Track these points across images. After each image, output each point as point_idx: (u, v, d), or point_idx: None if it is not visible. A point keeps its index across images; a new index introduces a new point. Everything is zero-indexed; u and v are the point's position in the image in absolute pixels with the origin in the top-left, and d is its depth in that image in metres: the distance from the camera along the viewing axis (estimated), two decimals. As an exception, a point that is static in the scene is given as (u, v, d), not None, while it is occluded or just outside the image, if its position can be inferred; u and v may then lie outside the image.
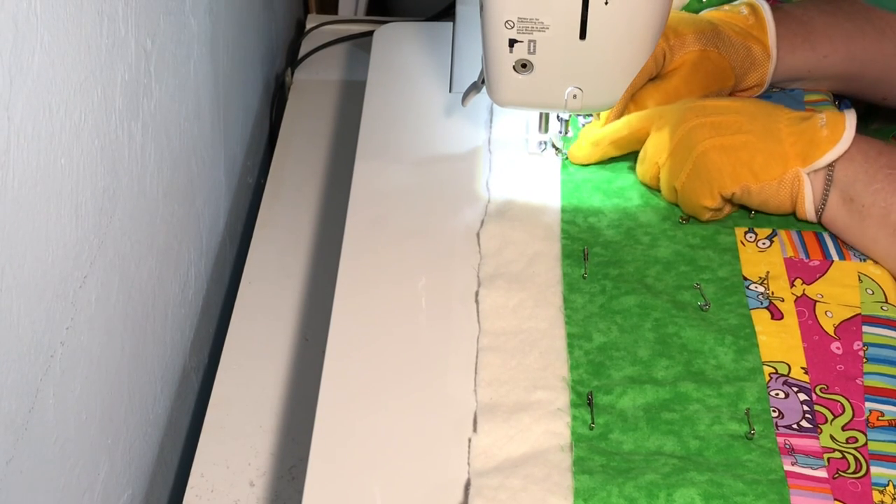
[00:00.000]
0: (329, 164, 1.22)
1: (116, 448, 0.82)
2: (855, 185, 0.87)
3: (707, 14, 1.03)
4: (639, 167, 0.94)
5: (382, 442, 0.76)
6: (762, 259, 0.88)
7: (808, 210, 0.88)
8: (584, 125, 0.98)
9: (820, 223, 0.90)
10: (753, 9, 1.01)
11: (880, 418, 0.77)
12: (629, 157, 0.98)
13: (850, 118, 0.88)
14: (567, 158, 0.98)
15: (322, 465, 0.75)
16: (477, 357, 0.81)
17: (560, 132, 0.98)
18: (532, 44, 0.86)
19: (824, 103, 1.03)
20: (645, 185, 0.94)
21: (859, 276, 0.86)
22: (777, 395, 0.78)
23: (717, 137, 0.89)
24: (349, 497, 0.73)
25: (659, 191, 0.94)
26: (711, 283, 0.86)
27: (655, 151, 0.92)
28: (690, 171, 0.89)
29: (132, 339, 0.84)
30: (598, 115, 0.97)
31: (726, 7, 1.04)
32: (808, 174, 0.88)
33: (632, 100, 0.98)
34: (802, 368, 0.80)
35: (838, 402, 0.78)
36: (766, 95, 1.04)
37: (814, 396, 0.78)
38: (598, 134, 0.96)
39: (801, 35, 1.01)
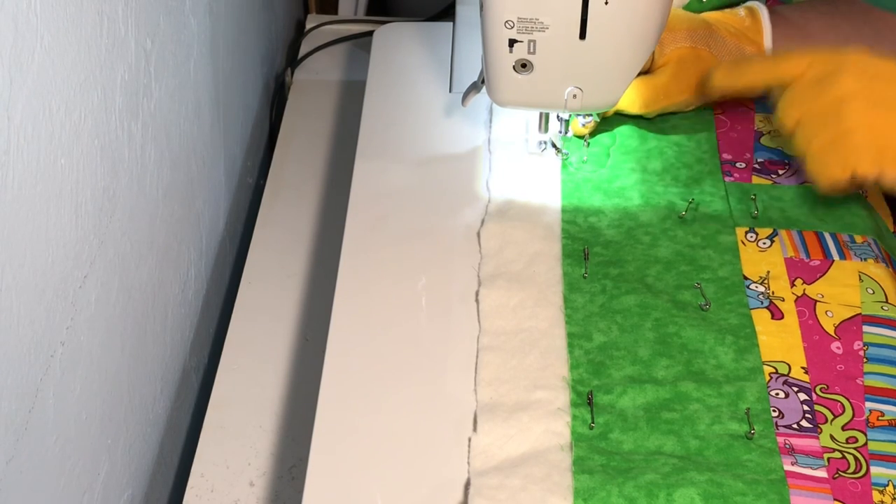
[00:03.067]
0: (329, 164, 1.22)
1: (116, 448, 0.82)
2: None
3: (704, 15, 1.03)
4: (781, 108, 0.88)
5: (382, 441, 0.76)
6: (763, 259, 0.88)
7: None
8: (583, 125, 0.98)
9: None
10: (751, 11, 1.02)
11: (880, 418, 0.77)
12: (629, 157, 0.98)
13: None
14: (567, 158, 0.98)
15: (322, 465, 0.75)
16: (477, 356, 0.81)
17: (560, 132, 0.98)
18: (532, 44, 0.86)
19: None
20: (781, 129, 0.88)
21: (860, 276, 0.86)
22: (777, 394, 0.78)
23: (870, 115, 0.83)
24: (349, 497, 0.73)
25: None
26: (712, 282, 0.86)
27: (801, 99, 0.86)
28: (832, 140, 0.84)
29: (132, 339, 0.84)
30: (598, 114, 0.97)
31: (727, 11, 1.04)
32: None
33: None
34: (802, 368, 0.80)
35: (838, 401, 0.78)
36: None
37: (814, 396, 0.78)
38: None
39: (798, 38, 1.01)
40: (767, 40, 1.00)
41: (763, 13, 1.01)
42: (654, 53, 0.98)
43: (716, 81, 0.92)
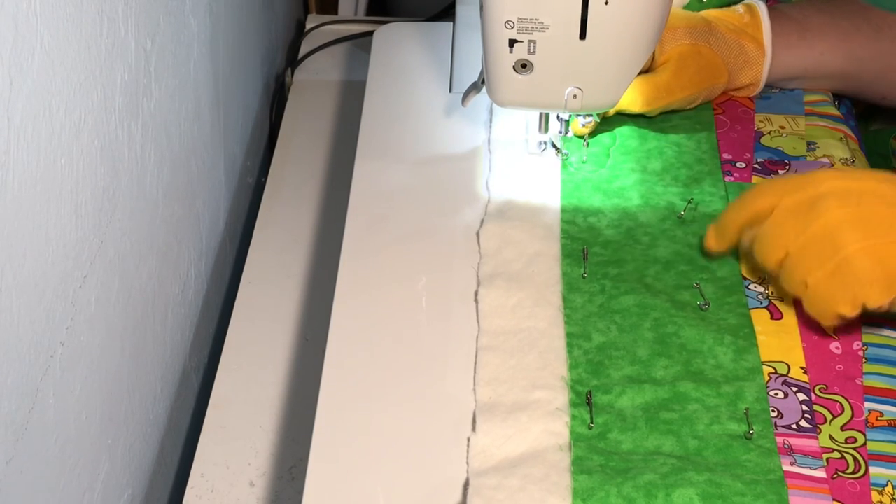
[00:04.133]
0: (329, 164, 1.22)
1: (116, 448, 0.82)
2: None
3: (703, 13, 1.03)
4: (758, 247, 0.82)
5: (382, 442, 0.76)
6: (762, 259, 0.88)
7: None
8: (583, 125, 0.98)
9: None
10: (750, 8, 1.02)
11: (879, 418, 0.77)
12: (629, 157, 0.98)
13: None
14: (567, 158, 0.98)
15: (322, 465, 0.75)
16: (476, 356, 0.81)
17: (560, 132, 0.98)
18: (532, 44, 0.86)
19: (824, 104, 1.04)
20: (764, 268, 0.82)
21: (859, 276, 0.86)
22: (776, 394, 0.78)
23: (868, 239, 0.76)
24: (349, 497, 0.73)
25: (768, 273, 0.83)
26: (711, 282, 0.86)
27: (784, 234, 0.79)
28: (831, 273, 0.77)
29: (132, 339, 0.84)
30: (598, 114, 0.97)
31: (725, 9, 1.04)
32: None
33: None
34: (802, 368, 0.80)
35: (837, 402, 0.78)
36: (765, 96, 1.04)
37: (813, 396, 0.78)
38: None
39: (797, 33, 1.01)
40: (767, 37, 1.00)
41: (762, 10, 1.01)
42: (654, 52, 0.98)
43: (711, 248, 0.86)
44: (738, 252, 0.88)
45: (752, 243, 0.82)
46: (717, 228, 0.85)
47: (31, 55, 0.62)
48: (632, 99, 0.98)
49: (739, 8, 1.03)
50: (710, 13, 1.02)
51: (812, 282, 0.78)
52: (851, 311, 0.77)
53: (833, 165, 0.96)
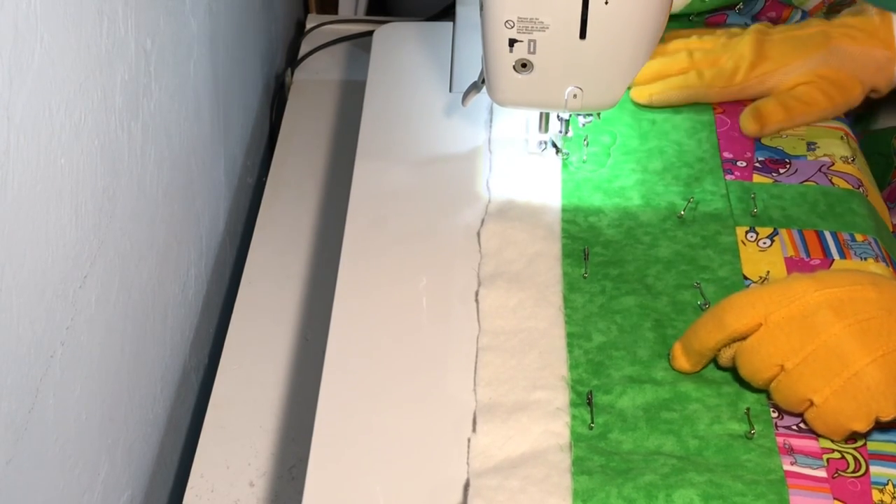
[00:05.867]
0: (329, 164, 1.22)
1: (116, 448, 0.82)
2: None
3: (829, 24, 1.01)
4: (744, 363, 0.77)
5: (382, 442, 0.76)
6: (763, 258, 0.88)
7: None
8: (584, 125, 0.98)
9: None
10: (882, 10, 0.99)
11: (879, 418, 0.77)
12: (629, 157, 0.98)
13: None
14: (567, 158, 0.98)
15: (322, 465, 0.75)
16: (476, 357, 0.81)
17: (560, 132, 0.98)
18: (532, 44, 0.86)
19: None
20: (752, 382, 0.77)
21: (859, 276, 0.86)
22: (777, 394, 0.78)
23: (875, 352, 0.73)
24: (349, 497, 0.73)
25: (766, 391, 0.78)
26: (712, 282, 0.86)
27: (777, 350, 0.75)
28: (841, 389, 0.73)
29: (132, 339, 0.84)
30: (599, 114, 0.97)
31: (853, 11, 1.02)
32: None
33: (757, 111, 0.99)
34: (802, 368, 0.80)
35: (838, 402, 0.78)
36: None
37: (813, 396, 0.78)
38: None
39: None
40: None
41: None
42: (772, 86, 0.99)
43: (677, 365, 0.80)
44: (738, 252, 0.88)
45: (736, 360, 0.78)
46: (685, 348, 0.79)
47: (31, 55, 0.62)
48: (775, 109, 0.98)
49: (871, 10, 1.00)
50: (837, 22, 1.00)
51: (819, 400, 0.74)
52: (865, 427, 0.74)
53: (834, 164, 0.96)
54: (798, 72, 0.98)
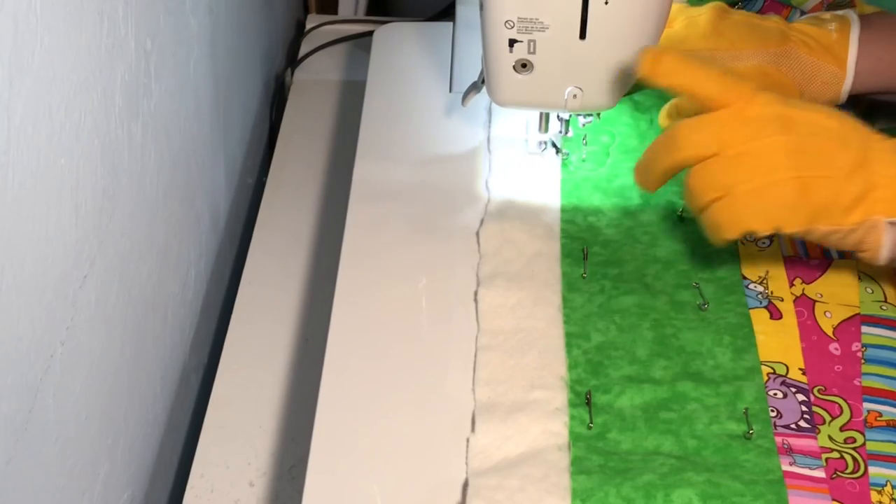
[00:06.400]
0: (329, 164, 1.22)
1: (116, 448, 0.82)
2: None
3: (790, 26, 1.00)
4: (689, 131, 0.79)
5: (382, 442, 0.76)
6: (762, 258, 0.88)
7: (882, 256, 0.78)
8: (584, 125, 0.98)
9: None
10: (841, 26, 0.98)
11: (878, 419, 0.77)
12: (628, 157, 0.98)
13: None
14: (567, 158, 0.98)
15: (322, 465, 0.75)
16: (475, 356, 0.81)
17: (560, 132, 0.98)
18: (532, 44, 0.86)
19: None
20: (677, 155, 0.79)
21: (859, 275, 0.86)
22: (775, 394, 0.78)
23: (802, 170, 0.76)
24: (349, 497, 0.73)
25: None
26: (710, 282, 0.86)
27: (718, 134, 0.78)
28: (758, 190, 0.77)
29: (132, 339, 0.84)
30: (599, 114, 0.97)
31: (816, 17, 1.01)
32: (889, 222, 0.77)
33: (674, 108, 0.98)
34: (800, 369, 0.80)
35: (836, 403, 0.78)
36: None
37: (812, 398, 0.78)
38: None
39: (886, 61, 0.97)
40: (852, 59, 0.97)
41: (853, 32, 0.97)
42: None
43: (638, 181, 0.84)
44: (738, 252, 0.88)
45: (684, 121, 0.79)
46: (644, 165, 0.82)
47: (31, 55, 0.62)
48: (696, 107, 0.98)
49: (831, 22, 0.99)
50: (797, 27, 1.00)
51: (736, 191, 0.77)
52: (763, 230, 0.78)
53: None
54: (747, 60, 0.98)
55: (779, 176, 0.76)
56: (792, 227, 0.77)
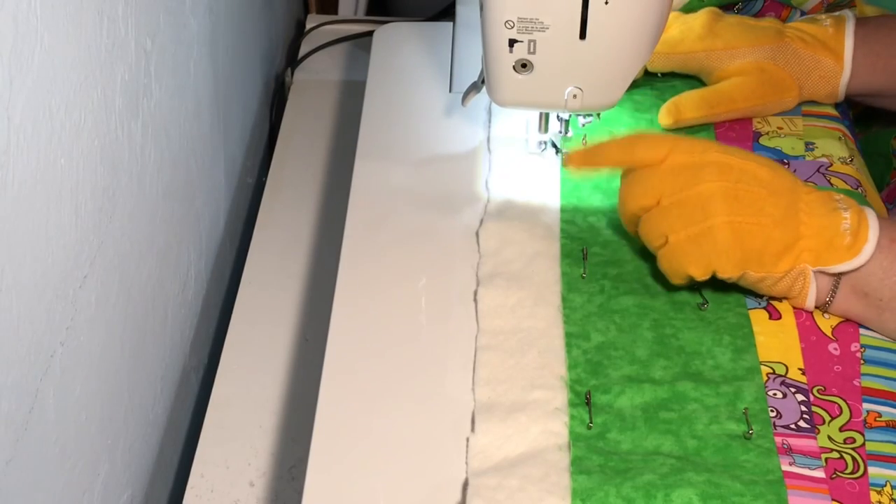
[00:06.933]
0: (329, 164, 1.22)
1: (116, 448, 0.82)
2: (869, 280, 0.80)
3: (787, 25, 1.01)
4: (633, 188, 0.84)
5: (382, 442, 0.76)
6: (761, 259, 0.88)
7: (809, 303, 0.82)
8: (584, 125, 0.98)
9: (825, 313, 0.83)
10: (837, 20, 0.99)
11: (878, 419, 0.77)
12: (628, 157, 0.98)
13: (873, 226, 0.79)
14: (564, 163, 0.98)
15: (322, 465, 0.75)
16: (475, 356, 0.81)
17: (560, 132, 0.98)
18: (532, 44, 0.86)
19: (821, 104, 1.03)
20: (626, 206, 0.85)
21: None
22: (774, 395, 0.78)
23: (735, 215, 0.80)
24: (349, 497, 0.74)
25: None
26: (710, 282, 0.86)
27: (660, 185, 0.82)
28: (694, 236, 0.80)
29: (132, 339, 0.84)
30: (599, 114, 0.97)
31: (812, 17, 1.02)
32: (815, 270, 0.81)
33: (674, 105, 0.99)
34: (800, 369, 0.80)
35: (836, 403, 0.78)
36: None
37: (811, 398, 0.78)
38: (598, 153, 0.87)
39: (884, 56, 0.98)
40: (849, 53, 0.98)
41: (849, 25, 0.98)
42: (713, 69, 1.00)
43: (569, 164, 0.88)
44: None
45: (625, 179, 0.85)
46: (587, 156, 0.87)
47: (31, 55, 0.62)
48: (695, 104, 0.98)
49: (826, 19, 1.00)
50: (792, 25, 1.01)
51: (673, 239, 0.81)
52: (701, 276, 0.81)
53: (832, 165, 0.96)
54: (744, 58, 0.98)
55: (714, 221, 0.80)
56: (726, 271, 0.81)
